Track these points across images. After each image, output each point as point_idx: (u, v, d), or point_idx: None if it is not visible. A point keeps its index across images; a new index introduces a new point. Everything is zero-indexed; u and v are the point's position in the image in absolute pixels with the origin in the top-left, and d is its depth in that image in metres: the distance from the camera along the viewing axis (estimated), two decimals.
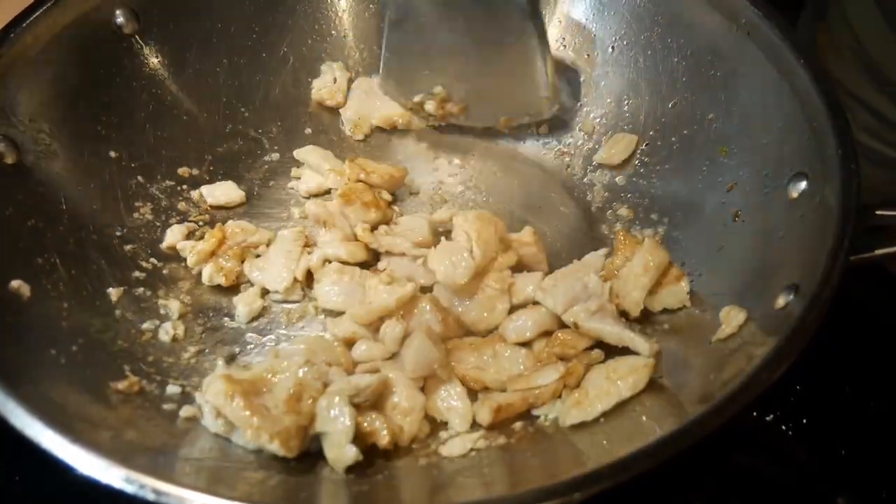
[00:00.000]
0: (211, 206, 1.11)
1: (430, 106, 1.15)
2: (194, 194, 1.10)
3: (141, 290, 1.00)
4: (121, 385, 0.87)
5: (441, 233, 1.05)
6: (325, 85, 1.19)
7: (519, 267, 1.02)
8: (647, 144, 1.11)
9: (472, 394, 0.92)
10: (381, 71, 1.18)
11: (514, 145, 1.18)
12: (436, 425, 0.90)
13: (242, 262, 1.05)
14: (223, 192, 1.11)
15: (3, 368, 0.77)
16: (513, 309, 0.99)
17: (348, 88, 1.20)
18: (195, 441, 0.84)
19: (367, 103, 1.19)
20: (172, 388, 0.90)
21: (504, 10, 1.06)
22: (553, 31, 1.17)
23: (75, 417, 0.77)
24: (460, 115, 1.16)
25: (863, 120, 1.13)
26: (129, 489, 0.68)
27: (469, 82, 1.14)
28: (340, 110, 1.20)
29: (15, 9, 0.98)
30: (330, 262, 1.04)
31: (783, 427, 1.00)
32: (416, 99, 1.16)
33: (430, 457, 0.85)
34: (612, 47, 1.13)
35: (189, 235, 1.07)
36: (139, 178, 1.07)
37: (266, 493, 0.76)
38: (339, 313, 0.99)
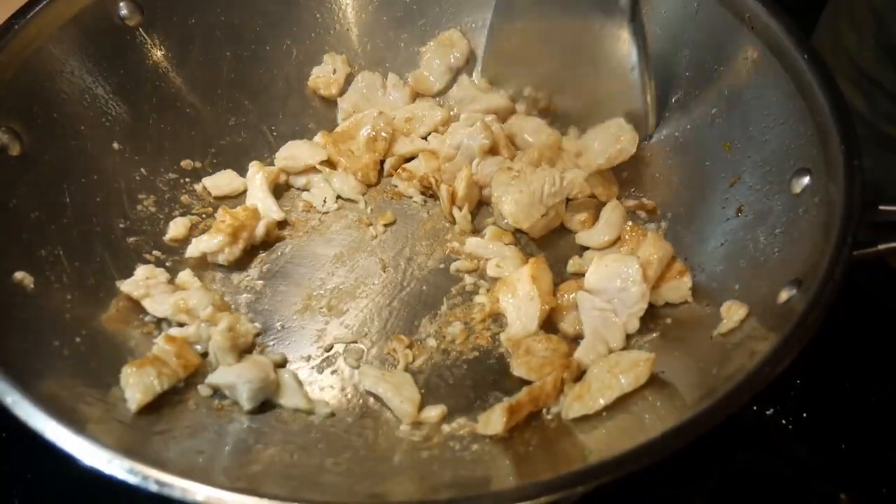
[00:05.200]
0: (215, 198, 1.11)
1: (520, 107, 1.18)
2: (197, 187, 1.11)
3: None
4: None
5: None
6: (324, 74, 1.19)
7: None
8: (649, 138, 1.11)
9: None
10: (481, 62, 1.20)
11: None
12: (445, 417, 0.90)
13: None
14: (226, 181, 1.12)
15: (7, 360, 0.77)
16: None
17: (346, 82, 1.20)
18: (198, 433, 0.84)
19: (365, 98, 1.19)
20: None
21: (602, 13, 1.05)
22: None
23: (78, 409, 0.77)
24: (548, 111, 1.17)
25: (883, 107, 1.11)
26: (133, 480, 0.68)
27: (561, 86, 1.15)
28: (338, 99, 1.19)
29: (19, 0, 0.98)
30: None
31: (783, 421, 1.00)
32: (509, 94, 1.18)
33: (432, 450, 0.85)
34: None
35: (192, 228, 1.07)
36: (142, 170, 1.07)
37: (268, 483, 0.77)
38: None
